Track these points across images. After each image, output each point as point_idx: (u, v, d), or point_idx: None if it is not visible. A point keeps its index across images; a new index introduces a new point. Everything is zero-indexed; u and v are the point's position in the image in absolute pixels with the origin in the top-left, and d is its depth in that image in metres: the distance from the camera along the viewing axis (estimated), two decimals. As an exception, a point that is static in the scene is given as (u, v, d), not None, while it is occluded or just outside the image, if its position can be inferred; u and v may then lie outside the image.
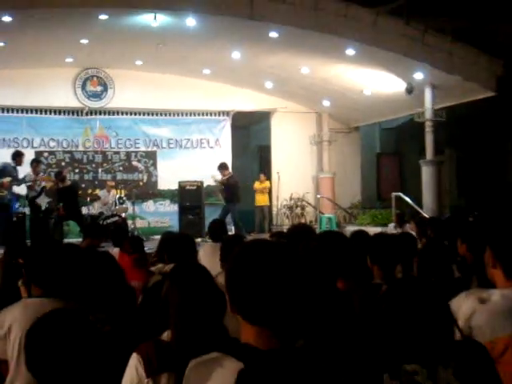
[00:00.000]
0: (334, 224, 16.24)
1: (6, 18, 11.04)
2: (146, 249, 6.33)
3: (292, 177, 17.52)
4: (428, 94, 13.90)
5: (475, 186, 17.60)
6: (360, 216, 17.19)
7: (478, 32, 14.55)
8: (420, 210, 13.87)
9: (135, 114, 16.90)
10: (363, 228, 11.02)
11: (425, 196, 14.04)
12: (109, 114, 16.73)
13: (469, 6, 14.77)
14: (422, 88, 13.88)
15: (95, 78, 16.46)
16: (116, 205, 14.52)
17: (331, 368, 1.81)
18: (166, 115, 17.14)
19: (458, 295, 2.96)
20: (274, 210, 17.64)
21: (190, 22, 11.82)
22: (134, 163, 17.00)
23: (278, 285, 1.74)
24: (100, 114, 16.64)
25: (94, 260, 3.62)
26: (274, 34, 12.21)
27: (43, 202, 12.99)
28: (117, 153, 16.87)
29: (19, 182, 12.73)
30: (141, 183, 16.82)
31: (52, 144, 16.28)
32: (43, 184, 13.14)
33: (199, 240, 12.23)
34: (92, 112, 16.52)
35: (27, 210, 13.50)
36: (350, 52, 12.69)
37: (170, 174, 16.71)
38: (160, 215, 16.97)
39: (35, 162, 13.42)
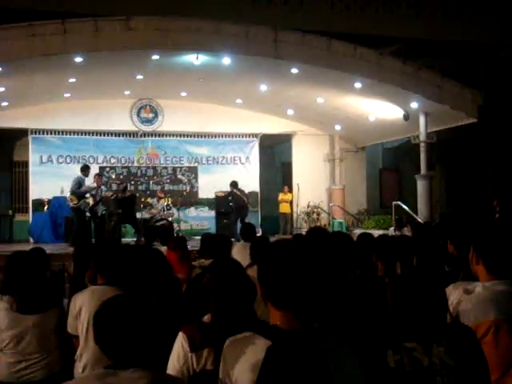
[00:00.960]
0: (344, 227, 16.13)
1: (78, 59, 11.18)
2: (188, 247, 6.36)
3: (309, 188, 17.46)
4: (422, 120, 13.79)
5: (461, 197, 17.42)
6: (366, 221, 17.06)
7: (462, 69, 14.49)
8: (415, 216, 13.75)
9: (180, 136, 16.95)
10: (368, 231, 10.97)
11: (420, 204, 13.90)
12: (159, 136, 16.80)
13: (454, 48, 14.71)
14: (417, 115, 13.78)
15: (148, 107, 16.56)
16: (164, 210, 14.58)
17: (342, 345, 1.81)
18: (205, 137, 17.16)
19: (448, 287, 2.94)
20: (295, 215, 17.56)
21: (226, 60, 11.87)
22: (179, 176, 17.05)
23: (300, 276, 1.76)
24: (151, 136, 16.71)
25: (147, 256, 3.66)
26: (294, 71, 12.21)
27: (99, 209, 13.01)
28: (165, 168, 16.93)
29: (93, 194, 12.77)
30: (184, 193, 16.81)
31: (113, 161, 16.41)
32: (102, 194, 13.20)
33: (233, 240, 12.16)
34: (145, 134, 16.61)
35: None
36: (358, 85, 12.66)
37: (208, 186, 16.73)
38: (200, 219, 16.97)
39: (97, 176, 13.46)
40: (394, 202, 15.00)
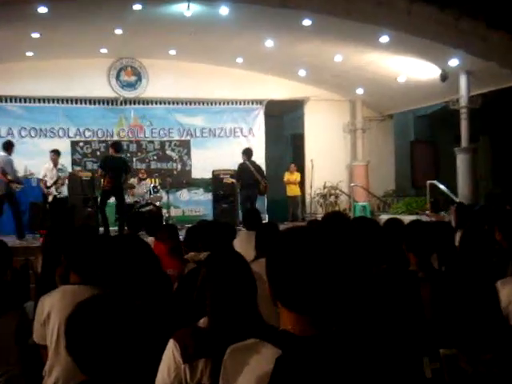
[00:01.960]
0: (367, 212, 16.17)
1: (42, 9, 11.11)
2: (180, 237, 6.35)
3: (325, 165, 17.45)
4: (463, 81, 13.76)
5: (511, 174, 17.37)
6: (394, 204, 17.09)
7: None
8: (455, 198, 13.73)
9: (169, 104, 16.97)
10: (397, 216, 10.96)
11: (460, 184, 13.91)
12: (143, 104, 16.81)
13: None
14: (457, 74, 13.75)
15: (129, 68, 16.54)
16: (151, 194, 14.58)
17: (368, 353, 1.80)
18: (199, 104, 17.17)
19: (495, 283, 2.93)
20: (308, 198, 17.60)
21: (223, 10, 11.80)
22: (168, 152, 17.08)
23: (317, 272, 1.74)
24: (134, 103, 16.72)
25: (130, 248, 3.65)
26: (307, 22, 12.15)
27: (53, 193, 12.84)
28: (151, 142, 16.96)
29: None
30: (175, 172, 16.88)
31: (87, 134, 16.40)
32: (60, 174, 13.02)
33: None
34: (126, 102, 16.62)
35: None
36: (384, 39, 12.60)
37: (203, 163, 16.75)
38: (194, 204, 17.03)
39: (54, 153, 13.07)
40: (428, 181, 14.97)
